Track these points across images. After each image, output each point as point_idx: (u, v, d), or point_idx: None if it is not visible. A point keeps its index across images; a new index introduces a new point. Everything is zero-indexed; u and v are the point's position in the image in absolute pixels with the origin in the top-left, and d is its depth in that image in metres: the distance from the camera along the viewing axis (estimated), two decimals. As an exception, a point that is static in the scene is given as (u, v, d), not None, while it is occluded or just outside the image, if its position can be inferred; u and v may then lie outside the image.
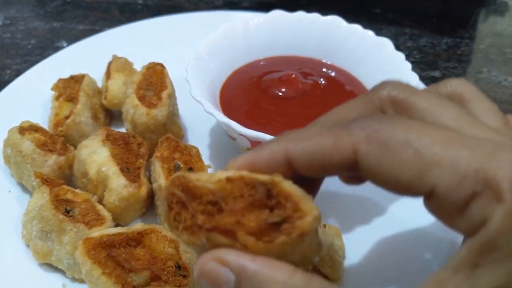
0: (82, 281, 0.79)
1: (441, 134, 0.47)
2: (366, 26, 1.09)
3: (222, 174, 0.50)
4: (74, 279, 0.81)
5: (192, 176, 0.51)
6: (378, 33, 1.07)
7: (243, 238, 0.48)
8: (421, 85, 1.14)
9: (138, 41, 1.28)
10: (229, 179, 0.50)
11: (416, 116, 0.54)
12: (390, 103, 0.57)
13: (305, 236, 0.48)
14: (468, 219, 0.45)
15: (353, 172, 0.51)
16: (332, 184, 0.70)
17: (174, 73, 1.06)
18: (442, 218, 0.48)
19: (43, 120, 1.04)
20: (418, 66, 1.37)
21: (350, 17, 1.11)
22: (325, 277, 0.77)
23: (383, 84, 0.59)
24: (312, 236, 0.50)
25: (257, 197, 0.49)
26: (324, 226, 0.80)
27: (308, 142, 0.52)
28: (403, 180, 0.47)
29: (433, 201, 0.47)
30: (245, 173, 0.50)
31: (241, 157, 0.55)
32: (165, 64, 1.08)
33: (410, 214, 0.87)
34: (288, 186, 0.49)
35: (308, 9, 1.14)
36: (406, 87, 0.58)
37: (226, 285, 0.49)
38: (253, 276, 0.48)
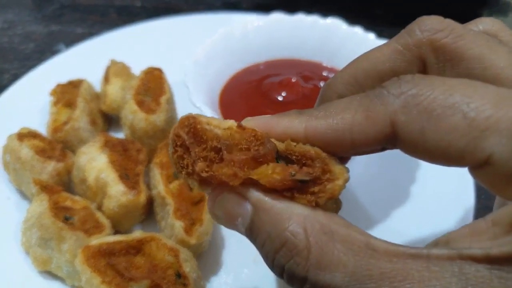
0: (82, 289, 0.78)
1: (491, 93, 0.40)
2: (367, 27, 1.08)
3: (234, 122, 0.47)
4: (74, 287, 0.81)
5: (203, 118, 0.48)
6: (380, 34, 1.06)
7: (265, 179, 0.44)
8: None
9: (136, 44, 1.27)
10: (240, 127, 0.47)
11: (464, 65, 0.48)
12: (431, 50, 0.50)
13: (332, 201, 0.46)
14: None
15: (390, 147, 0.45)
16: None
17: (172, 77, 1.06)
18: (496, 188, 0.43)
19: (41, 125, 1.03)
20: (418, 67, 1.36)
21: (351, 18, 1.10)
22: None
23: (420, 23, 0.51)
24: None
25: (261, 152, 0.45)
26: None
27: (334, 119, 0.45)
28: (453, 150, 0.41)
29: (486, 170, 0.41)
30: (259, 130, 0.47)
31: (257, 119, 0.49)
32: (163, 67, 1.07)
33: (410, 215, 0.86)
34: (312, 148, 0.45)
35: (309, 10, 1.13)
36: (449, 25, 0.50)
37: (242, 216, 0.45)
38: (271, 207, 0.44)
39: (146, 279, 0.70)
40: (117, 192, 0.84)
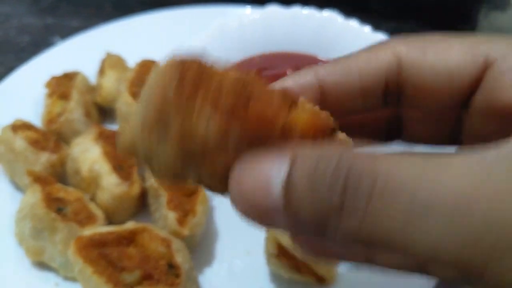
0: (75, 279, 0.78)
1: None
2: (364, 20, 1.08)
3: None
4: (67, 278, 0.81)
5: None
6: (377, 28, 1.06)
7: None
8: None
9: (132, 37, 1.27)
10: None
11: None
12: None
13: None
14: None
15: (392, 89, 0.45)
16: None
17: (168, 69, 1.05)
18: (498, 95, 0.42)
19: (35, 117, 1.03)
20: (415, 61, 1.36)
21: (349, 12, 1.10)
22: (319, 277, 0.76)
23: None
24: None
25: (287, 95, 0.38)
26: None
27: (342, 64, 0.46)
28: (453, 61, 0.43)
29: (486, 78, 0.43)
30: None
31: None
32: (159, 60, 1.06)
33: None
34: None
35: (306, 3, 1.12)
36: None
37: (277, 176, 0.34)
38: (311, 150, 0.35)
39: (138, 269, 0.70)
40: (110, 183, 0.84)
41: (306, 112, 0.37)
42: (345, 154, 0.33)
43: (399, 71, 0.45)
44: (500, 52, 0.42)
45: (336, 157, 0.33)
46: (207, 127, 0.35)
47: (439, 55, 0.43)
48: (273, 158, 0.34)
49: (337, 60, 0.47)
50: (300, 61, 1.07)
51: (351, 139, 0.40)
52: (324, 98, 0.45)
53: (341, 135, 0.39)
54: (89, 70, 1.12)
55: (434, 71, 0.44)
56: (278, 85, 0.47)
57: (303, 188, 0.33)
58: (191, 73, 0.36)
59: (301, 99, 0.39)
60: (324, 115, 0.38)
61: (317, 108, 0.38)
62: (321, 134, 0.37)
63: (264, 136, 0.36)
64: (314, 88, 0.46)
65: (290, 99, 0.38)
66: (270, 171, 0.34)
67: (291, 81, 0.47)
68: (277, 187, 0.33)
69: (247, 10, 1.11)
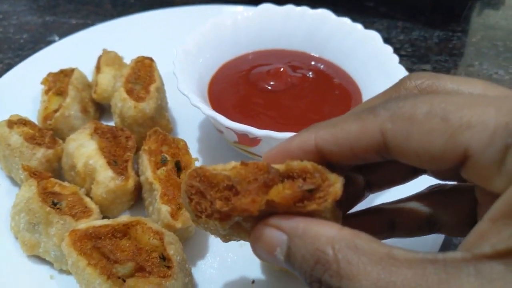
0: (69, 272, 0.79)
1: (464, 98, 0.47)
2: (358, 19, 1.09)
3: (236, 162, 0.55)
4: (61, 271, 0.82)
5: (208, 166, 0.55)
6: (371, 26, 1.07)
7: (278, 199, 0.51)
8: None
9: (129, 35, 1.29)
10: (243, 163, 0.53)
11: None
12: (419, 91, 0.58)
13: (336, 202, 0.51)
14: (505, 173, 0.44)
15: (383, 154, 0.51)
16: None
17: (163, 67, 1.07)
18: (480, 181, 0.47)
19: (33, 114, 1.04)
20: (409, 59, 1.37)
21: (343, 10, 1.12)
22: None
23: (409, 75, 0.60)
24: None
25: (270, 177, 0.51)
26: None
27: (336, 128, 0.53)
28: (434, 149, 0.47)
29: (468, 165, 0.46)
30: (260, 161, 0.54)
31: (274, 148, 0.57)
32: (155, 58, 1.08)
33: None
34: (308, 163, 0.52)
35: (300, 3, 1.14)
36: (431, 74, 0.58)
37: (280, 246, 0.51)
38: (303, 233, 0.49)
39: (130, 262, 0.71)
40: (105, 178, 0.85)
41: (281, 189, 0.51)
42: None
43: (386, 148, 0.50)
44: (481, 145, 0.44)
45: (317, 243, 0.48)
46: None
47: (422, 141, 0.47)
48: (275, 234, 0.51)
49: (334, 125, 0.53)
50: (293, 58, 1.09)
51: (342, 178, 0.52)
52: (323, 154, 0.54)
53: (333, 177, 0.52)
54: (87, 67, 1.13)
55: (417, 156, 0.48)
56: (284, 144, 0.57)
57: (297, 257, 0.50)
58: (197, 188, 0.54)
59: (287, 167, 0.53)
60: (298, 184, 0.51)
61: (290, 182, 0.51)
62: (300, 198, 0.50)
63: (253, 214, 0.51)
64: (311, 145, 0.54)
65: (270, 181, 0.51)
66: (275, 244, 0.51)
67: (295, 143, 0.56)
68: (281, 255, 0.51)
69: (242, 8, 1.12)
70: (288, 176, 0.52)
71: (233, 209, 0.52)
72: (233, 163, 0.55)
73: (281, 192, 0.50)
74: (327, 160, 0.54)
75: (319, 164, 0.53)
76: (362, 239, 0.48)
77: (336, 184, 0.51)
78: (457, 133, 0.45)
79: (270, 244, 0.52)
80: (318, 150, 0.54)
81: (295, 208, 0.51)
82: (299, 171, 0.52)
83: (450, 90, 0.55)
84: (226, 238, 0.60)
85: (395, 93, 0.60)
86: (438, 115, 0.46)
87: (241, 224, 0.55)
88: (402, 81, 0.60)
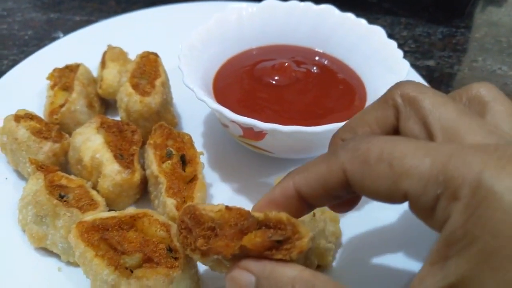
0: (77, 264, 0.79)
1: (410, 146, 0.52)
2: (361, 15, 1.09)
3: (223, 205, 0.63)
4: (69, 263, 0.83)
5: (200, 205, 0.64)
6: (374, 22, 1.08)
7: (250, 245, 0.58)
8: (412, 73, 1.15)
9: (133, 31, 1.29)
10: (228, 208, 0.62)
11: (421, 113, 0.61)
12: (403, 100, 0.63)
13: (302, 254, 0.58)
14: (437, 219, 0.50)
15: (350, 190, 0.57)
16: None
17: (168, 62, 1.07)
18: (421, 219, 0.54)
19: (39, 109, 1.05)
20: (413, 55, 1.38)
21: (346, 7, 1.12)
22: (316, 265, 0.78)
23: (397, 84, 0.65)
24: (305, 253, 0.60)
25: (245, 225, 0.59)
26: (314, 214, 0.80)
27: (308, 172, 0.60)
28: (382, 190, 0.53)
29: (410, 205, 0.53)
30: (243, 208, 0.62)
31: (261, 199, 0.64)
32: (160, 54, 1.09)
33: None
34: (283, 215, 0.59)
35: (303, -1, 1.14)
36: (417, 85, 0.63)
37: (248, 286, 0.58)
38: (269, 274, 0.57)
39: (138, 253, 0.72)
40: (111, 171, 0.86)
41: (253, 237, 0.58)
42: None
43: (349, 184, 0.57)
44: (416, 193, 0.50)
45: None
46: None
47: (373, 183, 0.53)
48: (245, 275, 0.59)
49: (307, 169, 0.60)
50: (297, 53, 1.09)
51: (311, 233, 0.59)
52: (302, 197, 0.61)
53: (304, 231, 0.58)
54: (92, 63, 1.14)
55: (371, 193, 0.55)
56: (269, 195, 0.63)
57: None
58: (186, 224, 0.64)
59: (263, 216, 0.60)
60: (268, 234, 0.57)
61: (262, 231, 0.59)
62: (270, 247, 0.58)
63: (227, 257, 0.59)
64: (291, 190, 0.61)
65: (246, 229, 0.59)
66: (245, 285, 0.58)
67: (278, 192, 0.62)
68: None
69: (246, 4, 1.13)
70: (265, 224, 0.59)
71: (210, 249, 0.60)
72: (220, 206, 0.63)
73: (252, 240, 0.58)
74: (308, 202, 0.61)
75: (300, 209, 0.61)
76: (320, 280, 0.55)
77: (304, 239, 0.57)
78: (399, 180, 0.51)
79: (241, 284, 0.59)
80: (298, 194, 0.60)
81: (264, 255, 0.58)
82: (275, 221, 0.59)
83: (426, 109, 0.60)
84: (211, 269, 0.67)
85: (383, 105, 0.66)
86: (386, 161, 0.52)
87: (222, 261, 0.62)
88: (390, 90, 0.65)
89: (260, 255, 0.58)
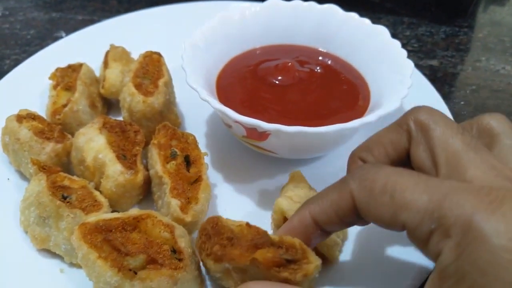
0: (80, 266, 0.78)
1: (410, 180, 0.57)
2: (364, 15, 1.09)
3: (245, 222, 0.69)
4: (72, 264, 0.82)
5: (223, 218, 0.71)
6: (377, 22, 1.07)
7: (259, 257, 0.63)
8: (416, 73, 1.14)
9: (136, 31, 1.29)
10: (248, 225, 0.69)
11: (430, 143, 0.65)
12: (415, 126, 0.67)
13: (306, 278, 0.62)
14: (430, 251, 0.55)
15: (360, 217, 0.62)
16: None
17: (171, 62, 1.07)
18: (417, 247, 0.58)
19: (41, 109, 1.05)
20: (416, 55, 1.37)
21: (348, 6, 1.11)
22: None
23: (413, 109, 0.69)
24: (310, 280, 0.64)
25: (260, 241, 0.64)
26: None
27: (322, 200, 0.65)
28: (384, 219, 0.58)
29: (407, 234, 0.58)
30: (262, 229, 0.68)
31: (280, 229, 0.70)
32: (163, 53, 1.08)
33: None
34: (297, 241, 0.65)
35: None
36: (431, 112, 0.67)
37: None
38: None
39: (142, 254, 0.71)
40: (114, 171, 0.85)
41: (265, 252, 0.63)
42: None
43: (357, 211, 0.62)
44: (412, 225, 0.55)
45: None
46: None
47: (376, 212, 0.58)
48: None
49: (321, 197, 0.66)
50: (300, 53, 1.09)
51: (320, 262, 0.65)
52: (319, 224, 0.66)
53: (313, 258, 0.65)
54: (94, 63, 1.14)
55: (376, 220, 0.60)
56: (288, 224, 0.69)
57: None
58: (207, 231, 0.70)
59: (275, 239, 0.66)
60: (280, 252, 0.63)
61: (275, 248, 0.65)
62: (279, 264, 0.63)
63: (239, 265, 0.64)
64: (312, 223, 0.66)
65: (260, 244, 0.64)
66: None
67: (296, 221, 0.67)
68: None
69: (249, 3, 1.12)
70: (278, 246, 0.65)
71: (224, 255, 0.65)
72: (242, 222, 0.70)
73: (264, 254, 0.63)
74: (324, 229, 0.66)
75: (317, 237, 0.67)
76: None
77: (311, 264, 0.63)
78: (399, 212, 0.56)
79: None
80: (314, 222, 0.65)
81: (272, 271, 0.62)
82: (288, 244, 0.65)
83: (436, 138, 0.64)
84: (218, 281, 0.71)
85: (397, 128, 0.70)
86: (388, 193, 0.57)
87: (231, 274, 0.66)
88: (405, 114, 0.70)
89: (268, 271, 0.62)
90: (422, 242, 0.56)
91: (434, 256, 0.54)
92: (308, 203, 0.67)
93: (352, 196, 0.61)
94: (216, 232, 0.68)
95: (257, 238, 0.66)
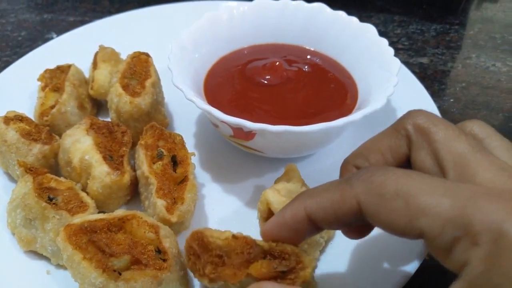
0: (66, 267, 0.80)
1: (426, 183, 0.52)
2: (355, 13, 1.08)
3: (230, 233, 0.66)
4: (58, 266, 0.82)
5: (207, 232, 0.67)
6: (367, 20, 1.07)
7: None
8: (404, 70, 1.14)
9: (127, 31, 1.29)
10: (234, 237, 0.65)
11: (434, 147, 0.63)
12: (415, 131, 0.65)
13: (305, 283, 0.61)
14: (454, 260, 0.51)
15: (362, 219, 0.57)
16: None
17: (160, 63, 1.06)
18: (436, 256, 0.54)
19: (30, 110, 1.05)
20: (406, 52, 1.37)
21: (339, 5, 1.11)
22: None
23: (408, 113, 0.67)
24: (310, 281, 0.63)
25: (252, 255, 0.63)
26: None
27: (321, 197, 0.60)
28: (397, 226, 0.53)
29: (425, 242, 0.53)
30: (249, 236, 0.65)
31: (270, 222, 0.64)
32: (153, 54, 1.08)
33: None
34: (288, 246, 0.63)
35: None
36: (429, 115, 0.65)
37: None
38: None
39: (126, 255, 0.71)
40: (101, 173, 0.85)
41: (259, 267, 0.62)
42: None
43: (362, 214, 0.57)
44: (432, 233, 0.50)
45: None
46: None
47: (388, 218, 0.53)
48: None
49: (319, 195, 0.61)
50: (288, 52, 1.09)
51: (315, 263, 0.64)
52: (312, 220, 0.61)
53: (307, 261, 0.63)
54: (86, 63, 1.14)
55: (385, 226, 0.55)
56: (278, 218, 0.64)
57: None
58: (194, 250, 0.66)
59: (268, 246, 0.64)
60: (273, 265, 0.62)
61: (268, 261, 0.63)
62: (275, 276, 0.62)
63: (234, 283, 0.62)
64: (305, 219, 0.61)
65: (252, 258, 0.63)
66: None
67: (288, 215, 0.62)
68: None
69: (237, 3, 1.12)
70: (270, 253, 0.63)
71: (218, 276, 0.63)
72: (227, 233, 0.66)
73: (258, 270, 0.62)
74: (317, 225, 0.61)
75: (308, 231, 0.63)
76: None
77: (307, 269, 0.61)
78: (415, 218, 0.51)
79: None
80: (308, 218, 0.61)
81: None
82: (279, 251, 0.63)
83: (438, 141, 0.62)
84: None
85: (394, 133, 0.68)
86: (402, 197, 0.52)
87: (229, 286, 0.64)
88: (402, 119, 0.67)
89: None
90: (443, 251, 0.51)
91: (458, 266, 0.50)
92: (303, 198, 0.62)
93: (357, 200, 0.56)
94: (203, 250, 0.65)
95: (247, 250, 0.63)
